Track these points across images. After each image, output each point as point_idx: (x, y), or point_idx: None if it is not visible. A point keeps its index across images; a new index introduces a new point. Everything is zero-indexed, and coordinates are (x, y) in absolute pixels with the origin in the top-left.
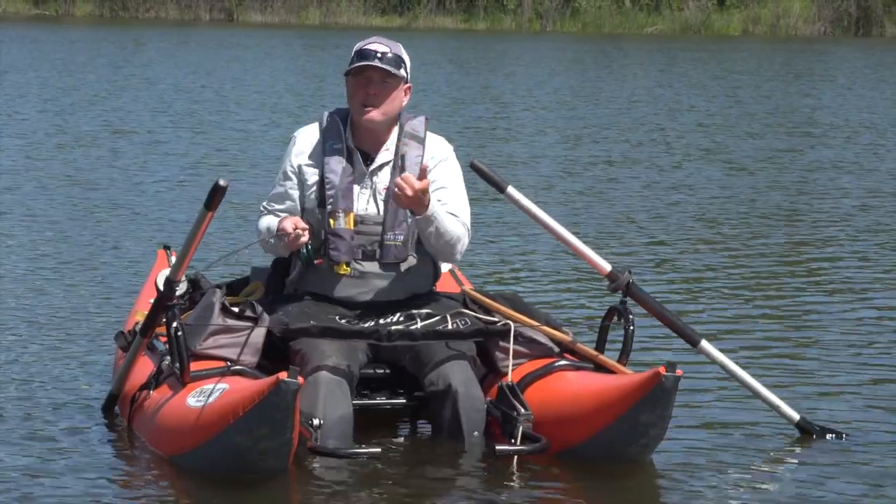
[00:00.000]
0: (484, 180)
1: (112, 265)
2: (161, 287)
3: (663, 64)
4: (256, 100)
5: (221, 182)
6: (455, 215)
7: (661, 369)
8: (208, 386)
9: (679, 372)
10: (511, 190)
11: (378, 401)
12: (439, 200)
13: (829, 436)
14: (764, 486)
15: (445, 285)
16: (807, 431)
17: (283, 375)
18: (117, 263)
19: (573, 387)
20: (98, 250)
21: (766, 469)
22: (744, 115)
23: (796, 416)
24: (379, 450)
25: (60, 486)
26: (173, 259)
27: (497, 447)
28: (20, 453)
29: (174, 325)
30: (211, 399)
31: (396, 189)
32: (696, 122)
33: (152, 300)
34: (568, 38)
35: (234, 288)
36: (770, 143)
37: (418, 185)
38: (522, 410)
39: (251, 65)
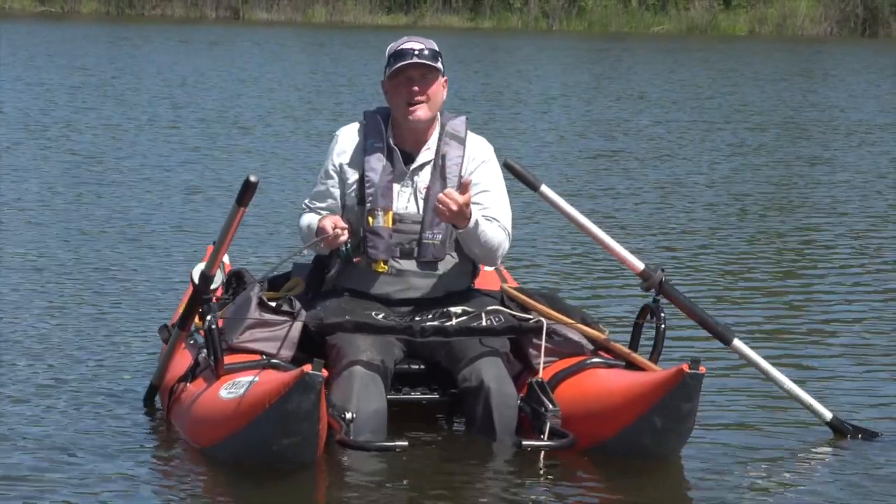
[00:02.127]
0: (518, 179)
1: (162, 260)
2: (196, 281)
3: (672, 63)
4: (277, 97)
5: (252, 178)
6: (496, 219)
7: (685, 366)
8: (240, 378)
9: (702, 369)
10: (545, 189)
11: (412, 396)
12: (480, 203)
13: (861, 435)
14: (795, 485)
15: (489, 283)
16: (839, 431)
17: (307, 368)
18: (168, 258)
19: (602, 384)
20: (148, 245)
21: (797, 468)
22: (758, 112)
23: (829, 415)
24: (406, 444)
25: (95, 474)
26: None
27: (523, 442)
28: (61, 440)
29: (208, 318)
30: (241, 391)
31: (440, 205)
32: (711, 120)
33: None
34: (575, 36)
35: (275, 283)
36: (791, 141)
37: (461, 199)
38: (550, 406)
39: (262, 61)
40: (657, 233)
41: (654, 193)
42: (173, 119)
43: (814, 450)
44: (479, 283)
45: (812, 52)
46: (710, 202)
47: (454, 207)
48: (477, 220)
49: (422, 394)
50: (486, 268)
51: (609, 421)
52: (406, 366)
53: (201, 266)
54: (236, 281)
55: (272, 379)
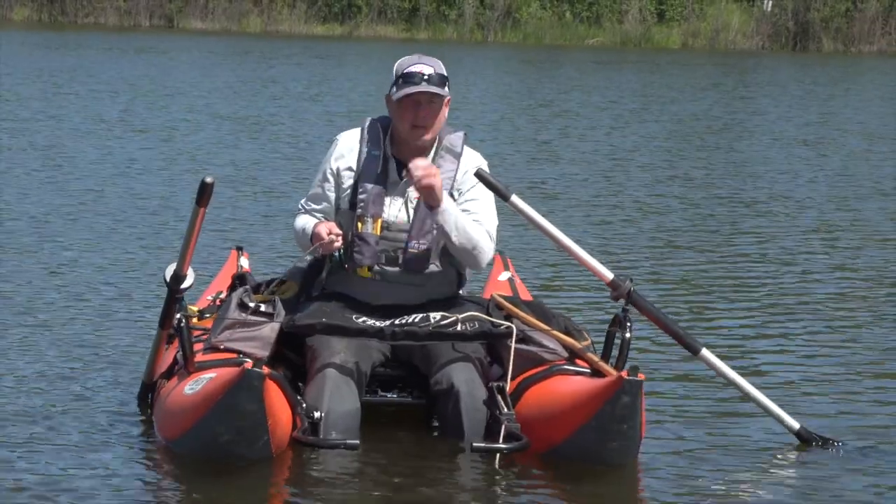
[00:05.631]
0: (489, 189)
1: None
2: (168, 281)
3: (608, 74)
4: (213, 105)
5: (208, 179)
6: (480, 223)
7: (624, 373)
8: (203, 376)
9: (641, 376)
10: (515, 199)
11: (386, 398)
12: (468, 211)
13: (829, 446)
14: (762, 495)
15: (502, 291)
16: (807, 441)
17: (248, 365)
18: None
19: (558, 390)
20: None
21: (765, 478)
22: (692, 119)
23: (796, 426)
24: (357, 443)
25: (76, 465)
26: (244, 259)
27: (473, 444)
28: (52, 436)
29: (177, 316)
30: (198, 388)
31: (412, 173)
32: (646, 130)
33: (209, 297)
34: (510, 48)
35: (271, 286)
36: (735, 152)
37: (423, 161)
38: (505, 410)
39: (204, 71)
40: (607, 240)
41: (600, 203)
42: (123, 123)
43: (781, 460)
44: (490, 293)
45: (748, 66)
46: (696, 210)
47: (433, 170)
48: (450, 205)
49: (398, 397)
50: (504, 275)
51: (559, 426)
52: (384, 369)
53: (174, 266)
54: (240, 283)
55: (221, 376)
